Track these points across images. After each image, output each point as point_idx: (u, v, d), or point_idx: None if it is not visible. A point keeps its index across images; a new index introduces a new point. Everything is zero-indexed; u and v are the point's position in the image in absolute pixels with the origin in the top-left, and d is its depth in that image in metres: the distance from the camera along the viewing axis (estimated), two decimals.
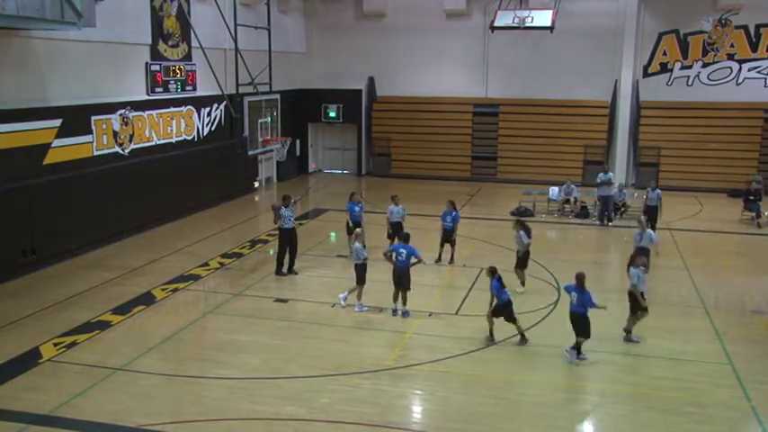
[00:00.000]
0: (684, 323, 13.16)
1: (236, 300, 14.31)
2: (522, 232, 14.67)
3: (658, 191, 19.84)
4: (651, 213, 19.12)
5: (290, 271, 15.89)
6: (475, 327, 12.88)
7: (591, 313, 11.34)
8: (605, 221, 21.05)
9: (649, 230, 15.13)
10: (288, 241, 15.87)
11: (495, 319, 12.07)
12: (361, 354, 11.61)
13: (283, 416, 9.54)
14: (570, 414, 9.78)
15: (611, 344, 12.08)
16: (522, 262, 14.82)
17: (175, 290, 14.82)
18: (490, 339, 12.12)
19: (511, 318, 12.01)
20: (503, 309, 11.96)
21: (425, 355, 11.57)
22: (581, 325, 11.34)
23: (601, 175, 21.33)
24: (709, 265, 17.04)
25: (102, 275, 15.61)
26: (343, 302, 13.68)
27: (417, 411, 9.96)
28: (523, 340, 12.05)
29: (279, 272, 15.81)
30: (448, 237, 16.70)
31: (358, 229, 14.59)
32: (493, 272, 12.08)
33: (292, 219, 15.89)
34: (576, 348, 11.36)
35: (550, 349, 11.84)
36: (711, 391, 10.42)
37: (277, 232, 16.14)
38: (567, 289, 11.68)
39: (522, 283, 14.76)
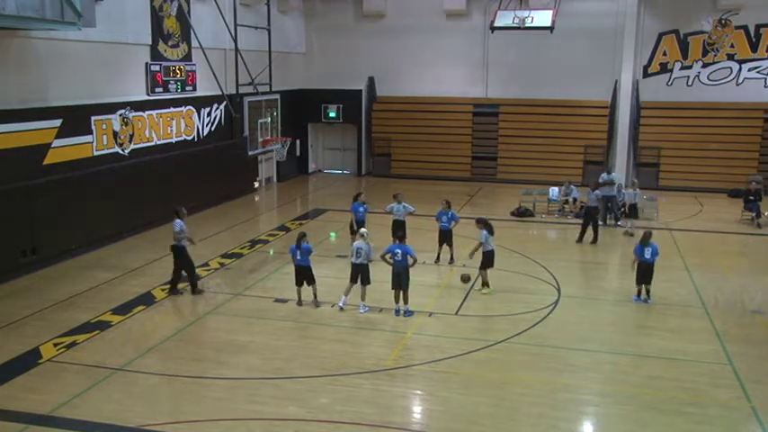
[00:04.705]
0: (684, 323, 13.15)
1: (236, 300, 14.30)
2: (484, 232, 14.54)
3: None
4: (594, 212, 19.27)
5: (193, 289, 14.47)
6: (475, 327, 12.92)
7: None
8: (607, 221, 20.94)
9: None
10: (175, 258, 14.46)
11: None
12: (361, 354, 11.61)
13: (283, 416, 9.53)
14: (570, 414, 9.78)
15: (611, 344, 12.11)
16: (485, 262, 14.63)
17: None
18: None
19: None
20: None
21: (425, 355, 11.57)
22: (653, 273, 13.93)
23: (603, 175, 21.32)
24: (709, 265, 17.03)
25: (102, 275, 15.62)
26: (361, 309, 13.55)
27: (417, 411, 9.95)
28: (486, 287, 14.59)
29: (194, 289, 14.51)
30: (445, 237, 16.69)
31: (363, 230, 14.29)
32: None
33: (177, 233, 14.37)
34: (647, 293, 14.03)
35: (550, 349, 11.86)
36: (711, 391, 10.41)
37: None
38: (642, 247, 13.90)
39: (485, 284, 14.64)
